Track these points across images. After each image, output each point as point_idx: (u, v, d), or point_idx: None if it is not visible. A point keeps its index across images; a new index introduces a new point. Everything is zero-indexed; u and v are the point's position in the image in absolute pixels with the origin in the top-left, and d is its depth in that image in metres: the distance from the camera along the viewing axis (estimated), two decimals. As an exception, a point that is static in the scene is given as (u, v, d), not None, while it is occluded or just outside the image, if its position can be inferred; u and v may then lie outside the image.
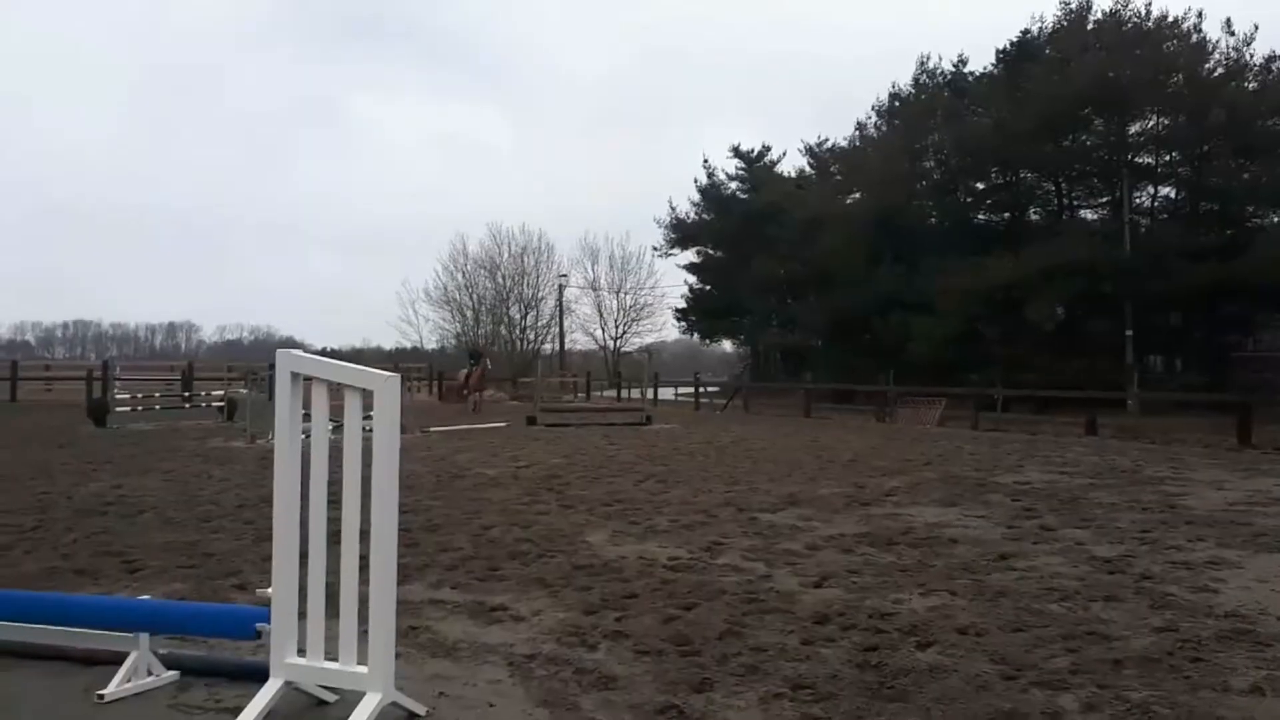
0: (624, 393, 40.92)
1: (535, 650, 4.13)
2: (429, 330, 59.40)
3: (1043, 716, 3.38)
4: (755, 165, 49.65)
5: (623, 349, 58.66)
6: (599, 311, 58.46)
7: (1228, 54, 33.00)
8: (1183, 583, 5.54)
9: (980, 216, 41.08)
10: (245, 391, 19.67)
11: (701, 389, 35.28)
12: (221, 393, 23.27)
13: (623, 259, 57.68)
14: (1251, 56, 32.59)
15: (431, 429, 18.17)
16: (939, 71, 41.37)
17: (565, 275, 55.61)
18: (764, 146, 50.08)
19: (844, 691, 3.61)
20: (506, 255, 58.33)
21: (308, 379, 3.36)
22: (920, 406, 23.64)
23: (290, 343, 54.43)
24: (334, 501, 3.28)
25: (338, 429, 3.30)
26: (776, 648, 4.17)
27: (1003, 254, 32.53)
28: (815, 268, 39.58)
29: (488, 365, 26.65)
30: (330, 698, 3.41)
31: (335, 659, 3.27)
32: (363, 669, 3.21)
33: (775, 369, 45.08)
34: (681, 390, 40.06)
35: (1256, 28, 35.64)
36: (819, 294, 41.96)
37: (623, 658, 4.04)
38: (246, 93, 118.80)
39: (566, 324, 55.94)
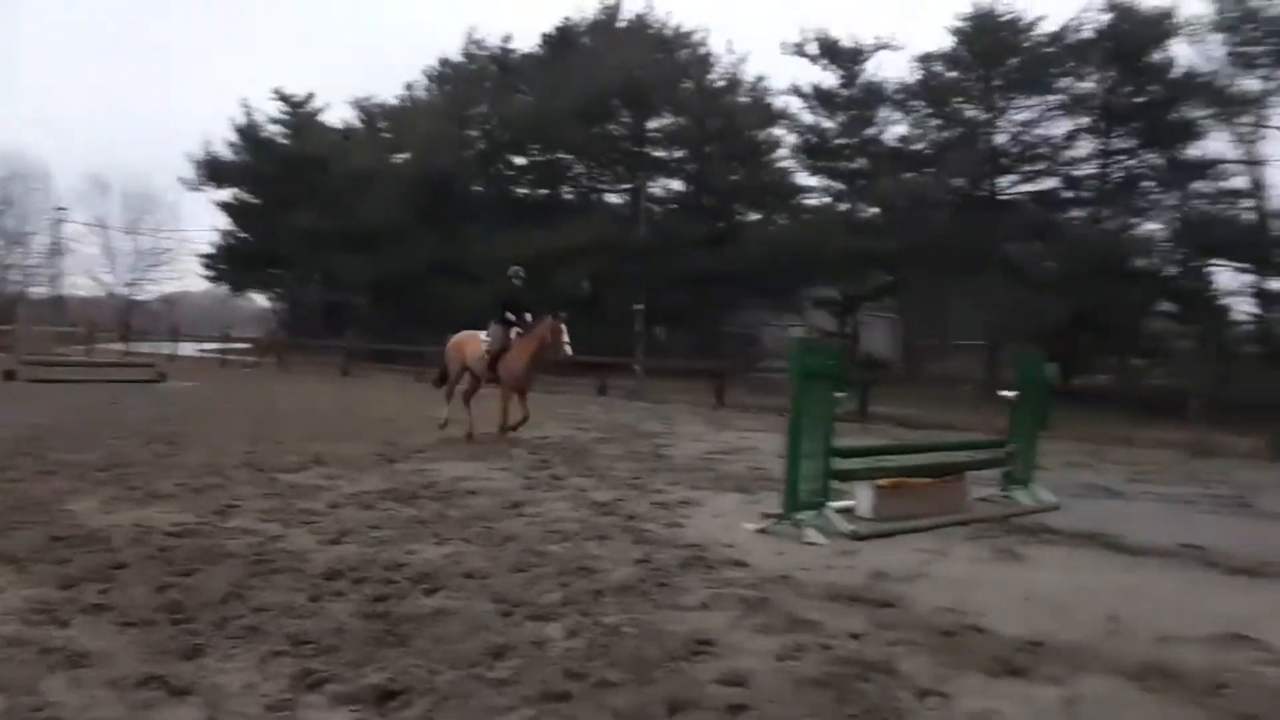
0: (136, 346, 36.47)
1: (-10, 633, 3.60)
2: None
3: (531, 645, 3.74)
4: (299, 111, 46.62)
5: (137, 297, 52.24)
6: (108, 253, 51.29)
7: (727, 70, 38.17)
8: (659, 520, 6.45)
9: (521, 190, 42.95)
10: None
11: (230, 345, 32.63)
12: None
13: (140, 196, 51.08)
14: (745, 75, 38.05)
15: None
16: (487, 46, 42.30)
17: (65, 209, 47.93)
18: (309, 94, 47.23)
19: (347, 643, 3.67)
20: (-15, 181, 48.66)
21: None
22: (458, 368, 24.23)
23: None
24: None
25: None
26: (281, 607, 4.09)
27: (539, 228, 34.38)
28: (362, 224, 38.43)
29: (563, 323, 11.76)
30: None
31: None
32: None
33: (318, 326, 43.02)
34: (208, 346, 36.74)
35: (750, 51, 41.82)
36: (365, 252, 40.92)
37: (101, 632, 3.69)
38: None
39: (67, 265, 48.37)
